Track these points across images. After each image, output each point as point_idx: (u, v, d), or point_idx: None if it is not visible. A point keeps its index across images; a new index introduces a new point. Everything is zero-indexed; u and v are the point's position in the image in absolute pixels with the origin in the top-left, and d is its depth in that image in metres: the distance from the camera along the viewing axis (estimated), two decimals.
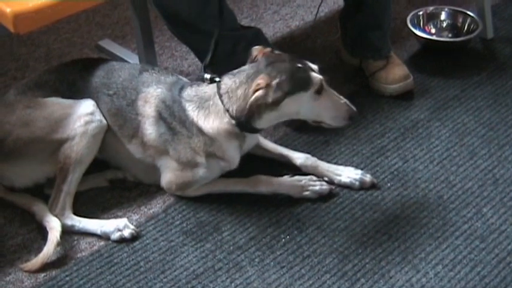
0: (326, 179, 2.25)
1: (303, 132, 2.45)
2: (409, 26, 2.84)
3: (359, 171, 2.26)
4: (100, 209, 2.22)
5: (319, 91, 2.06)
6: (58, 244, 2.04)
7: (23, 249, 2.10)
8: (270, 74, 2.02)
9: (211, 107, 2.11)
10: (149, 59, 2.70)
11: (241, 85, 2.06)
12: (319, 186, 2.21)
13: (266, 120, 2.09)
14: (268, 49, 2.14)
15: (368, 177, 2.25)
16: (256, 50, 2.14)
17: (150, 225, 2.16)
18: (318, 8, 2.85)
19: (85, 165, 2.16)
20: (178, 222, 2.16)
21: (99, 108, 2.19)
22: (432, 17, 2.93)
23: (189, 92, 2.15)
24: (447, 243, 2.06)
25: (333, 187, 2.24)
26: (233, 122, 2.09)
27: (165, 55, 2.92)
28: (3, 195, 2.22)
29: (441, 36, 2.89)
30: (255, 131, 2.14)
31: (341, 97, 2.10)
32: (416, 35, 2.83)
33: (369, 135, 2.45)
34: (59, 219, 2.09)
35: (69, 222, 2.12)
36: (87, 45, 3.00)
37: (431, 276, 1.97)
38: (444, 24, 2.93)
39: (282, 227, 2.13)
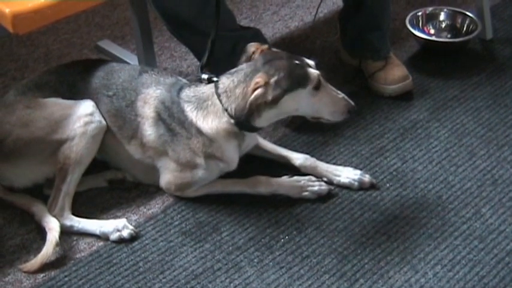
0: (325, 179, 2.25)
1: (302, 132, 2.45)
2: (408, 26, 2.84)
3: (358, 172, 2.26)
4: (99, 209, 2.22)
5: (317, 87, 2.06)
6: (57, 244, 2.04)
7: (22, 249, 2.10)
8: (268, 72, 2.02)
9: (209, 107, 2.11)
10: (148, 59, 2.70)
11: (240, 84, 2.06)
12: (318, 186, 2.21)
13: (265, 118, 2.09)
14: (265, 46, 2.14)
15: (367, 178, 2.25)
16: (253, 47, 2.14)
17: (149, 226, 2.16)
18: (317, 9, 2.85)
19: (84, 165, 2.16)
20: (177, 223, 2.16)
21: (99, 109, 2.19)
22: (431, 18, 2.92)
23: (187, 93, 2.15)
24: (446, 243, 2.06)
25: (332, 187, 2.24)
26: (232, 121, 2.09)
27: (164, 56, 2.92)
28: (2, 196, 2.21)
29: (440, 37, 2.88)
30: (254, 129, 2.14)
31: (339, 92, 2.10)
32: (416, 35, 2.83)
33: (368, 136, 2.45)
34: (58, 220, 2.09)
35: (68, 222, 2.12)
36: (86, 46, 3.00)
37: (430, 277, 1.97)
38: (443, 25, 2.92)
39: (281, 227, 2.13)
